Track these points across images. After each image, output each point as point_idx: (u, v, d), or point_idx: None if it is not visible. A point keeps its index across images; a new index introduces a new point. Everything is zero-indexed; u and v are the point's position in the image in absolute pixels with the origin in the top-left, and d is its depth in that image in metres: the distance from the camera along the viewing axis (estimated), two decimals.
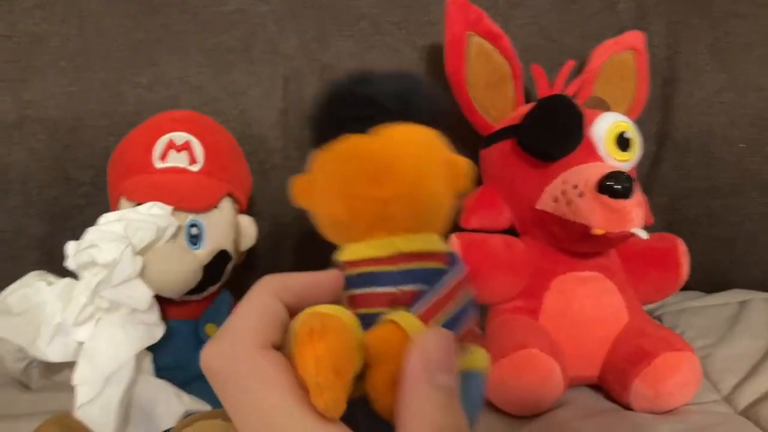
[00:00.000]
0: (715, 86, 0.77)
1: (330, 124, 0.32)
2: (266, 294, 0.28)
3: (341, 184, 0.32)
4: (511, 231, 0.68)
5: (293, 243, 0.77)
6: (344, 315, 0.28)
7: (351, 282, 0.31)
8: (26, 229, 0.72)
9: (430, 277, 0.30)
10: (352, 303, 0.30)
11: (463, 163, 0.34)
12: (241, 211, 0.66)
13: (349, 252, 0.32)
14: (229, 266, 0.63)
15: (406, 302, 0.29)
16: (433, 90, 0.34)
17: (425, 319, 0.29)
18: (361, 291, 0.30)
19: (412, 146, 0.32)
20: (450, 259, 0.32)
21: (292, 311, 0.28)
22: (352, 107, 0.32)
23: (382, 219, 0.31)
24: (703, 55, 0.77)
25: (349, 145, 0.31)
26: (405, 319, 0.28)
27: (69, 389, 0.54)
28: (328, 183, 0.32)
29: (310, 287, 0.29)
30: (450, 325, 0.29)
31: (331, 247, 0.80)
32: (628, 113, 0.72)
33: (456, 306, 0.30)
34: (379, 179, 0.31)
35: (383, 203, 0.31)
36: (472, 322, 0.31)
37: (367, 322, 0.28)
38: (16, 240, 0.72)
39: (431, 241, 0.32)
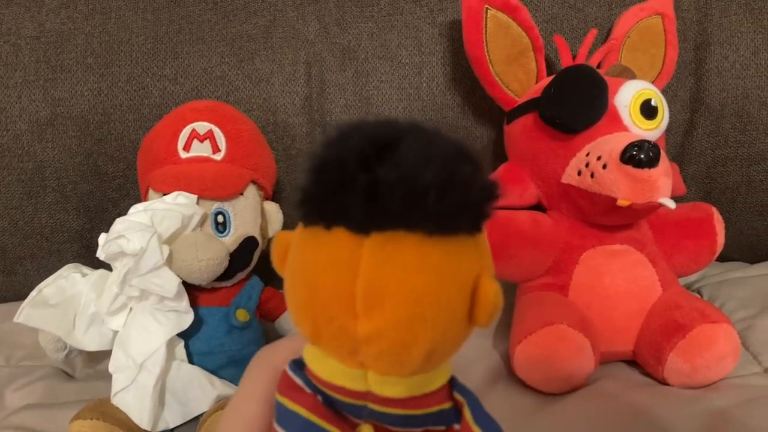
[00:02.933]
0: (750, 47, 0.74)
1: (324, 193, 0.22)
2: (256, 393, 0.26)
3: (309, 291, 0.23)
4: (537, 207, 0.67)
5: None
6: None
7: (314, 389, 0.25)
8: (64, 223, 0.74)
9: (413, 423, 0.25)
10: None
11: (490, 291, 0.23)
12: (267, 198, 0.67)
13: (312, 361, 0.25)
14: (257, 252, 0.63)
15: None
16: (479, 172, 0.22)
17: None
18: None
19: (411, 267, 0.22)
20: (447, 394, 0.26)
21: None
22: (361, 196, 0.21)
23: (354, 355, 0.23)
24: (736, 15, 0.74)
25: (330, 242, 0.22)
26: None
27: (111, 377, 0.55)
28: (296, 278, 0.24)
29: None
30: None
31: None
32: (657, 80, 0.70)
33: None
34: (357, 308, 0.22)
35: (359, 341, 0.22)
36: None
37: None
38: (55, 235, 0.74)
39: (427, 382, 0.25)
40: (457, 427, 0.26)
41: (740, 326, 0.66)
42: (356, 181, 0.21)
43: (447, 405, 0.26)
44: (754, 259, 0.81)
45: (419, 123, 0.23)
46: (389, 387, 0.24)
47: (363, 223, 0.22)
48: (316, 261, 0.23)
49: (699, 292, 0.75)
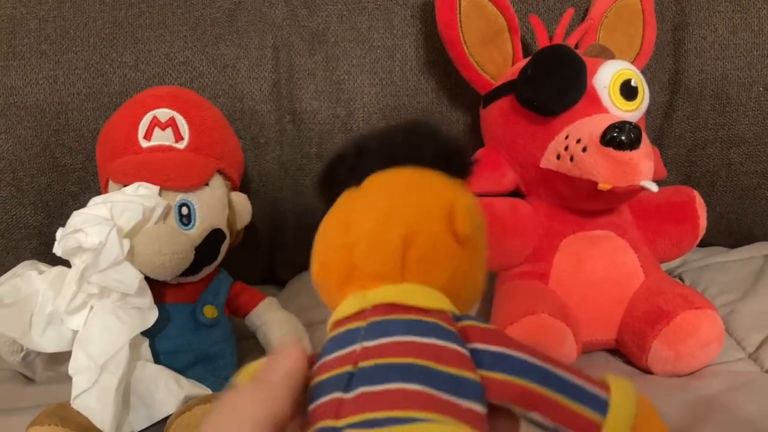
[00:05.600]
0: (728, 27, 0.72)
1: (329, 183, 0.32)
2: None
3: (318, 241, 0.31)
4: (516, 194, 0.65)
5: (293, 218, 0.75)
6: None
7: (323, 350, 0.28)
8: (21, 219, 0.71)
9: (409, 330, 0.27)
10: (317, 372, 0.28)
11: (462, 202, 0.29)
12: (234, 189, 0.65)
13: (330, 319, 0.29)
14: (224, 245, 0.61)
15: (369, 357, 0.26)
16: (442, 135, 0.31)
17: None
18: (322, 361, 0.27)
19: (390, 189, 0.29)
20: (453, 318, 0.28)
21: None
22: (350, 161, 0.31)
23: (351, 268, 0.29)
24: None
25: (338, 200, 0.31)
26: None
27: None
28: (314, 246, 0.31)
29: (282, 388, 0.26)
30: None
31: None
32: (636, 61, 0.69)
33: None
34: (347, 225, 0.29)
35: (349, 249, 0.29)
36: None
37: (321, 391, 0.26)
38: (12, 231, 0.71)
39: (421, 294, 0.28)
40: (463, 351, 0.27)
41: (723, 311, 0.65)
42: (350, 150, 0.31)
43: (450, 327, 0.27)
44: (734, 243, 0.80)
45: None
46: (388, 294, 0.27)
47: (355, 176, 0.30)
48: (326, 217, 0.31)
49: (681, 278, 0.74)
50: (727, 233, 0.79)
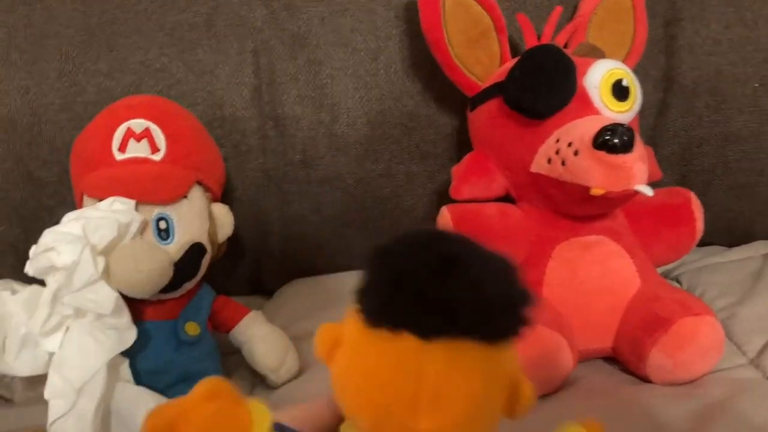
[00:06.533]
0: (721, 22, 0.71)
1: (397, 302, 0.26)
2: None
3: (373, 391, 0.27)
4: (506, 199, 0.63)
5: (279, 228, 0.73)
6: None
7: None
8: None
9: None
10: None
11: (528, 388, 0.29)
12: (215, 200, 0.63)
13: None
14: (205, 260, 0.59)
15: None
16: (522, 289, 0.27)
17: None
18: None
19: (471, 372, 0.26)
20: None
21: None
22: (435, 309, 0.25)
23: (407, 425, 0.26)
24: None
25: (397, 345, 0.26)
26: None
27: None
28: (355, 373, 0.28)
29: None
30: None
31: (318, 234, 0.74)
32: (627, 59, 0.67)
33: None
34: (420, 407, 0.26)
35: (414, 409, 0.26)
36: None
37: None
38: None
39: None
40: None
41: (722, 315, 0.64)
42: (428, 294, 0.25)
43: None
44: (732, 242, 0.79)
45: (465, 236, 0.28)
46: None
47: (431, 331, 0.25)
48: (381, 362, 0.26)
49: (678, 281, 0.72)
50: (724, 232, 0.78)
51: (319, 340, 0.30)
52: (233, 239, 0.64)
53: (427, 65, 0.69)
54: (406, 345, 0.26)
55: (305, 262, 0.76)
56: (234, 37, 0.69)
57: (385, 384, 0.26)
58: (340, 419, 0.32)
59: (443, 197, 0.67)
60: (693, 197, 0.62)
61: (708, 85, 0.71)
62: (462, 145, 0.69)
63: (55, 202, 0.69)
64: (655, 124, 0.73)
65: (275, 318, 0.66)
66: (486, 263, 0.26)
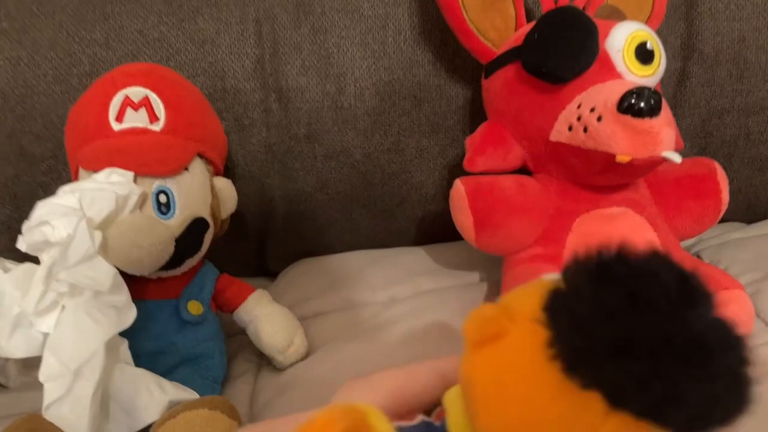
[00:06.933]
0: None
1: (607, 361, 0.21)
2: None
3: (525, 425, 0.23)
4: (522, 171, 0.61)
5: (282, 205, 0.70)
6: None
7: None
8: None
9: None
10: None
11: None
12: (217, 173, 0.60)
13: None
14: (208, 235, 0.57)
15: None
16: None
17: None
18: None
19: None
20: None
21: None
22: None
23: None
24: None
25: (579, 395, 0.22)
26: None
27: None
28: (510, 393, 0.24)
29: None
30: None
31: (323, 211, 0.71)
32: (647, 24, 0.63)
33: None
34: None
35: None
36: None
37: None
38: None
39: None
40: None
41: (748, 291, 0.60)
42: (670, 380, 0.20)
43: None
44: (751, 218, 0.77)
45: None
46: None
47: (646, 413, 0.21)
48: (551, 405, 0.22)
49: (699, 256, 0.70)
50: (745, 207, 0.75)
51: (478, 323, 0.25)
52: (235, 217, 0.62)
53: (438, 32, 0.66)
54: (588, 402, 0.22)
55: (310, 241, 0.74)
56: (235, 5, 0.66)
57: (544, 426, 0.23)
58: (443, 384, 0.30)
59: (455, 172, 0.65)
60: (718, 168, 0.60)
61: (730, 53, 0.68)
62: (475, 117, 0.67)
63: (49, 179, 0.66)
64: (674, 94, 0.70)
65: (281, 299, 0.63)
66: (738, 352, 0.22)
